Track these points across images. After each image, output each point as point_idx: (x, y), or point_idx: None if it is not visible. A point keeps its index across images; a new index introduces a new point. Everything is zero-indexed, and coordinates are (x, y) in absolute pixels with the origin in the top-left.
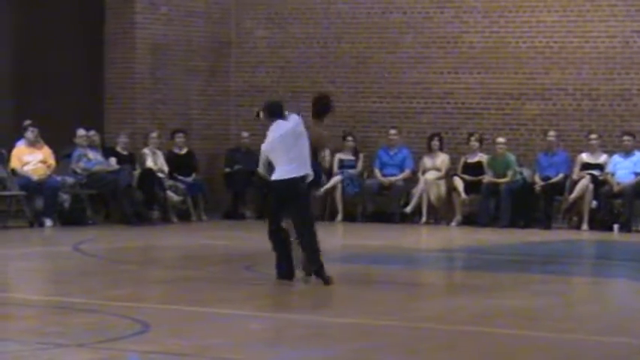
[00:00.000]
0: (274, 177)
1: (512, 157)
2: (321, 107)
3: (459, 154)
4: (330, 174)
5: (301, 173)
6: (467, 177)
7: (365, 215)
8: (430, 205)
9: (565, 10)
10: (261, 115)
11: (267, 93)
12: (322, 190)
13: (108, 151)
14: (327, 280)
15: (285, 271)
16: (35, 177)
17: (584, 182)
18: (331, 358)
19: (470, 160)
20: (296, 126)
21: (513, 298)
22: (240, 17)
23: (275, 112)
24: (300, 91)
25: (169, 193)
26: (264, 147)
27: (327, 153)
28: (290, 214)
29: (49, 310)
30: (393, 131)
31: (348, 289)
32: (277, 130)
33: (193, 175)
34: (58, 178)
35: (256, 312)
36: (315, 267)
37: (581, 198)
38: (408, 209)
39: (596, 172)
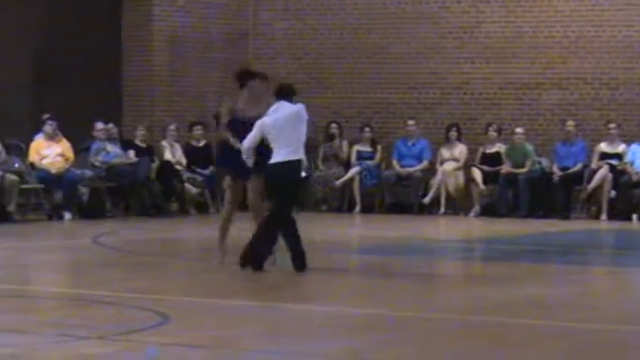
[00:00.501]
0: (273, 160)
1: (530, 147)
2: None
3: (477, 144)
4: (347, 165)
5: (297, 157)
6: (485, 167)
7: (383, 206)
8: (448, 196)
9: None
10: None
11: None
12: (339, 183)
13: (126, 144)
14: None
15: (299, 262)
16: (54, 170)
17: (603, 172)
18: (351, 349)
19: (488, 151)
20: (300, 110)
21: (532, 288)
22: (257, 8)
23: (285, 94)
24: (317, 82)
25: (187, 186)
26: (264, 123)
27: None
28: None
29: (69, 302)
30: (410, 122)
31: (367, 280)
32: (282, 110)
33: (211, 168)
34: (77, 172)
35: (276, 303)
36: (261, 258)
37: (599, 187)
38: (427, 200)
39: (614, 162)
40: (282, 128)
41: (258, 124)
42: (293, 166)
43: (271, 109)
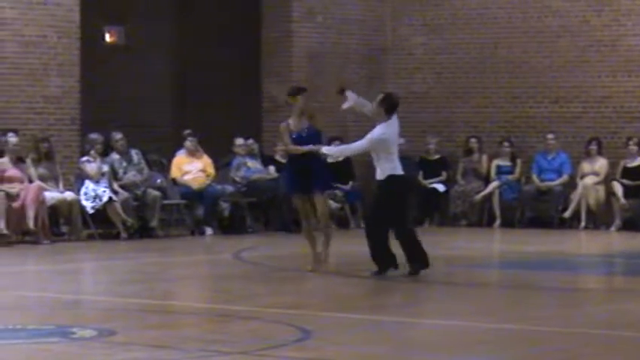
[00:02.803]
0: (393, 172)
1: None
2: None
3: (618, 158)
4: (487, 180)
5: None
6: (626, 181)
7: (523, 221)
8: (589, 210)
9: None
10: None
11: (424, 99)
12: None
13: (266, 160)
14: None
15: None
16: (195, 186)
17: None
18: None
19: (629, 165)
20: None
21: None
22: (395, 24)
23: (394, 108)
24: (456, 96)
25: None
26: (385, 139)
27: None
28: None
29: (211, 317)
30: (550, 136)
31: (508, 295)
32: (394, 125)
33: (351, 183)
34: (218, 187)
35: (414, 318)
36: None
37: None
38: (567, 214)
39: None
40: (394, 143)
41: (372, 138)
42: (406, 179)
43: (385, 124)
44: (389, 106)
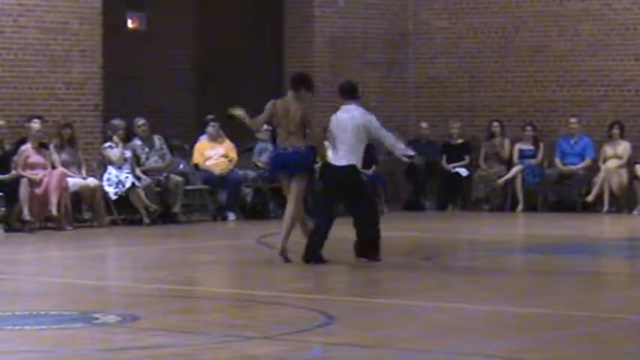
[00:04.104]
0: (336, 163)
1: None
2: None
3: None
4: (509, 164)
5: (354, 162)
6: None
7: (546, 205)
8: (612, 194)
9: None
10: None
11: (445, 84)
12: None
13: None
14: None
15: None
16: (217, 171)
17: None
18: (516, 348)
19: None
20: (367, 123)
21: None
22: (417, 8)
23: (352, 94)
24: (478, 80)
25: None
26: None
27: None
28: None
29: (234, 302)
30: (573, 120)
31: (530, 279)
32: (351, 112)
33: (373, 167)
34: (240, 172)
35: (438, 303)
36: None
37: None
38: (590, 198)
39: None
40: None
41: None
42: (352, 169)
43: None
44: (338, 90)
